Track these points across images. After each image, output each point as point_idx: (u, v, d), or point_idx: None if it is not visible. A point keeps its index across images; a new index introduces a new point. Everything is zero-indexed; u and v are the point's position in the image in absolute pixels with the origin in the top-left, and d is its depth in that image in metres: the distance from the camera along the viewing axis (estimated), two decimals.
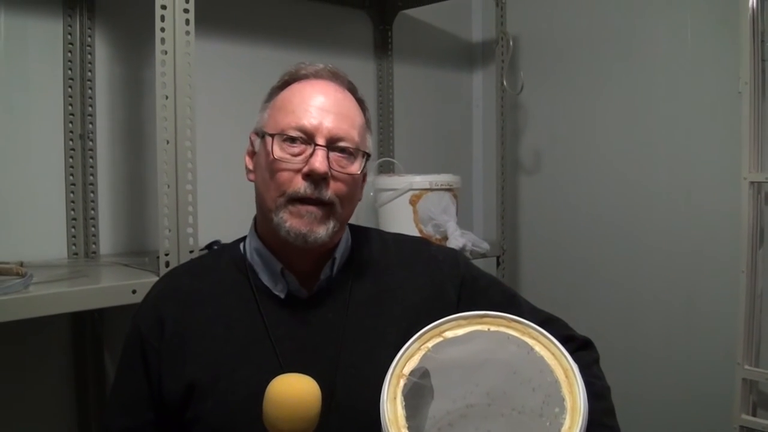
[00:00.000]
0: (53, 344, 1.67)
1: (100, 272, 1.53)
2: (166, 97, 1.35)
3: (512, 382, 0.91)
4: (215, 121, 1.77)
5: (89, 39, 1.69)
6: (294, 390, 0.91)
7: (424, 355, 0.93)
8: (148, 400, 1.07)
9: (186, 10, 1.37)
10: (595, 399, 0.91)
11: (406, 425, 0.86)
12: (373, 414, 0.87)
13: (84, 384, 1.69)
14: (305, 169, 1.02)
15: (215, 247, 1.53)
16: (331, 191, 1.03)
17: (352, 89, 1.12)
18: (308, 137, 1.03)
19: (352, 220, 1.15)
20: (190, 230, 1.39)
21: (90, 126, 1.70)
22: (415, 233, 1.88)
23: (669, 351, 2.18)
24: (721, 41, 2.01)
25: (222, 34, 1.95)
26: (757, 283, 1.84)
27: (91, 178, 1.71)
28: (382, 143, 2.39)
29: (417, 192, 1.93)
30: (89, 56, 1.69)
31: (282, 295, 1.08)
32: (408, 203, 1.93)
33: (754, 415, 1.86)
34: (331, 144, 1.04)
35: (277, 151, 1.03)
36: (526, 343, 0.92)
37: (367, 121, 1.13)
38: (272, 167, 1.03)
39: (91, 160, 1.71)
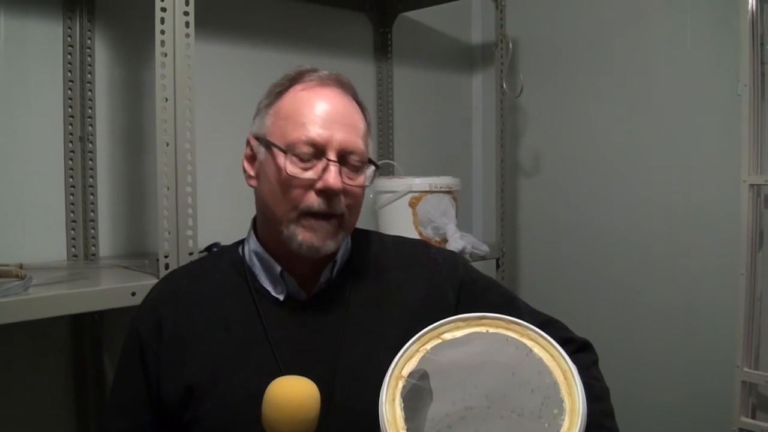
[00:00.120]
0: (53, 346, 1.67)
1: (99, 274, 1.53)
2: (166, 100, 1.35)
3: (511, 384, 0.91)
4: (215, 124, 1.77)
5: (89, 41, 1.69)
6: (293, 392, 0.91)
7: (422, 357, 0.93)
8: (146, 402, 1.07)
9: (186, 13, 1.37)
10: (594, 401, 0.91)
11: (405, 427, 0.86)
12: (372, 415, 0.87)
13: (83, 386, 1.69)
14: (319, 186, 1.01)
15: (215, 250, 1.53)
16: (342, 204, 1.04)
17: (354, 94, 1.11)
18: (319, 151, 1.02)
19: None
20: (189, 232, 1.40)
21: (90, 128, 1.70)
22: (415, 236, 1.89)
23: (668, 353, 2.18)
24: (721, 44, 2.01)
25: (222, 37, 1.96)
26: (757, 285, 1.84)
27: (91, 180, 1.71)
28: (382, 146, 2.39)
29: (416, 194, 1.93)
30: (89, 58, 1.70)
31: (281, 298, 1.08)
32: (407, 206, 1.93)
33: (753, 417, 1.86)
34: (342, 157, 1.03)
35: (290, 166, 1.01)
36: (525, 345, 0.92)
37: (368, 125, 1.13)
38: (284, 182, 1.02)
39: (90, 162, 1.71)
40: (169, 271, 1.34)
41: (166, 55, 1.35)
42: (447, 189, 1.97)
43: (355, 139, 1.05)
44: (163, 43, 1.35)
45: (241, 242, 1.17)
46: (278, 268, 1.08)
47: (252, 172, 1.09)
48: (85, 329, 1.69)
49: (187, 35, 1.37)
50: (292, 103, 1.05)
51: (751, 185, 1.82)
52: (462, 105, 2.74)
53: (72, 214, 1.69)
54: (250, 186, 1.11)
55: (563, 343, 0.93)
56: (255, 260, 1.11)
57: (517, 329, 0.94)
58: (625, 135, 2.28)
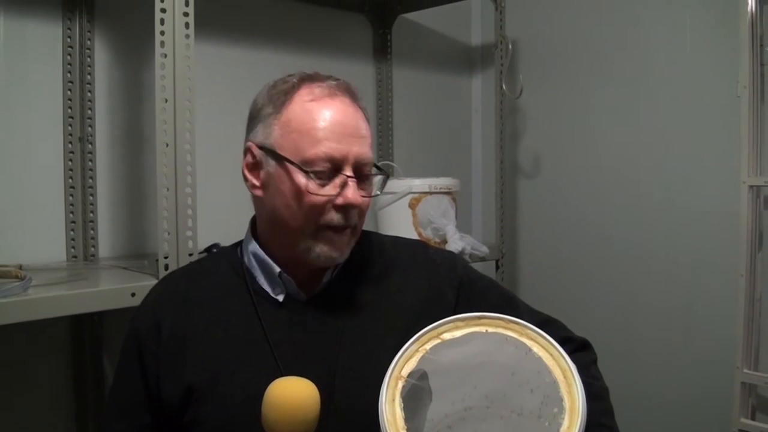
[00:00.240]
0: (52, 347, 1.67)
1: (99, 275, 1.53)
2: (166, 100, 1.35)
3: (510, 384, 0.91)
4: (215, 124, 1.77)
5: (89, 42, 1.69)
6: (293, 393, 0.91)
7: (422, 357, 0.93)
8: (145, 404, 1.07)
9: (186, 14, 1.37)
10: (593, 399, 0.91)
11: (405, 427, 0.86)
12: (371, 416, 0.87)
13: (83, 387, 1.69)
14: (340, 202, 1.02)
15: (214, 251, 1.53)
16: (356, 215, 1.06)
17: (358, 100, 1.10)
18: (336, 167, 1.02)
19: None
20: (189, 233, 1.40)
21: (89, 129, 1.70)
22: (415, 237, 1.89)
23: (668, 354, 2.18)
24: (721, 45, 2.01)
25: (222, 38, 1.96)
26: (756, 286, 1.85)
27: (91, 181, 1.71)
28: (382, 147, 2.39)
29: (416, 195, 1.93)
30: (89, 59, 1.70)
31: (280, 299, 1.08)
32: (407, 206, 1.93)
33: (753, 418, 1.86)
34: (356, 169, 1.03)
35: (311, 185, 1.01)
36: (524, 344, 0.92)
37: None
38: (302, 198, 1.01)
39: (90, 163, 1.71)
40: (168, 271, 1.34)
41: (165, 55, 1.35)
42: (447, 190, 1.97)
43: (368, 150, 1.05)
44: (162, 43, 1.35)
45: (239, 244, 1.17)
46: (277, 270, 1.08)
47: (256, 182, 1.07)
48: (84, 330, 1.69)
49: (187, 36, 1.37)
50: (302, 114, 1.02)
51: (751, 186, 1.82)
52: (461, 106, 2.74)
53: (71, 215, 1.69)
54: (255, 195, 1.09)
55: (562, 343, 0.94)
56: (253, 262, 1.11)
57: (516, 329, 0.95)
58: (624, 136, 2.28)
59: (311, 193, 1.01)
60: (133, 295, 1.30)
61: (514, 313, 1.01)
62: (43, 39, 1.64)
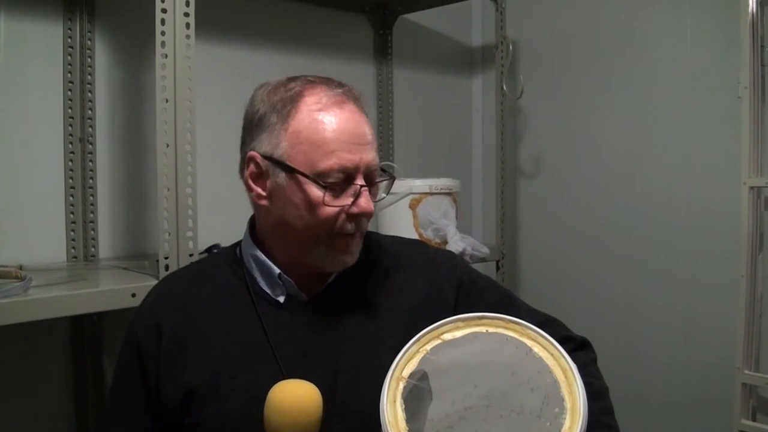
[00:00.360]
0: (52, 347, 1.67)
1: (99, 276, 1.53)
2: (166, 101, 1.35)
3: (511, 383, 0.91)
4: (215, 125, 1.77)
5: (89, 42, 1.69)
6: (296, 397, 0.91)
7: (423, 358, 0.93)
8: (145, 407, 1.06)
9: (186, 14, 1.37)
10: (593, 398, 0.91)
11: (407, 428, 0.86)
12: (373, 417, 0.87)
13: (83, 387, 1.69)
14: (355, 211, 1.02)
15: (215, 251, 1.53)
16: (367, 220, 1.07)
17: (363, 105, 1.08)
18: (348, 176, 1.02)
19: None
20: (189, 234, 1.40)
21: (90, 129, 1.70)
22: (415, 237, 1.88)
23: (669, 355, 2.17)
24: (721, 46, 2.01)
25: (222, 38, 1.96)
26: (757, 287, 1.84)
27: (91, 181, 1.71)
28: (382, 147, 2.39)
29: (417, 196, 1.93)
30: (89, 59, 1.70)
31: (281, 300, 1.08)
32: (408, 207, 1.93)
33: (753, 419, 1.86)
34: (367, 176, 1.04)
35: (327, 198, 1.00)
36: (525, 344, 0.92)
37: None
38: (316, 210, 1.01)
39: (90, 163, 1.71)
40: (169, 272, 1.33)
41: (166, 56, 1.35)
42: (447, 191, 1.97)
43: (375, 155, 1.05)
44: (163, 44, 1.35)
45: (238, 244, 1.17)
46: (276, 271, 1.07)
47: (262, 192, 1.05)
48: (84, 330, 1.69)
49: (188, 36, 1.37)
50: (311, 124, 1.01)
51: (752, 187, 1.82)
52: (462, 107, 2.74)
53: (72, 215, 1.69)
54: (261, 204, 1.06)
55: (561, 342, 0.94)
56: (252, 263, 1.11)
57: (516, 329, 0.95)
58: (625, 137, 2.28)
59: (326, 205, 1.00)
60: (133, 295, 1.30)
61: (514, 313, 1.01)
62: (44, 39, 1.64)
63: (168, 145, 1.35)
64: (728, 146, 1.94)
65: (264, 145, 1.03)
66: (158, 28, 1.34)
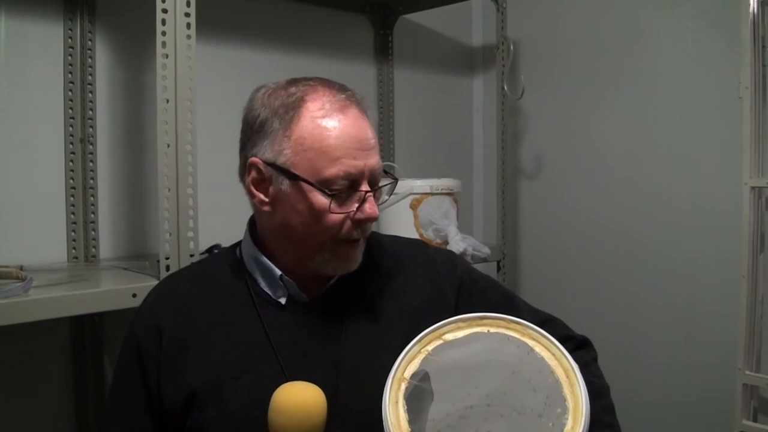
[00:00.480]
0: (53, 348, 1.67)
1: (100, 276, 1.53)
2: (167, 101, 1.35)
3: (511, 383, 0.91)
4: (216, 125, 1.77)
5: (90, 42, 1.69)
6: (302, 399, 0.91)
7: (424, 358, 0.94)
8: (146, 408, 1.06)
9: (187, 14, 1.37)
10: (595, 398, 0.91)
11: (409, 429, 0.86)
12: (375, 418, 0.87)
13: (84, 387, 1.69)
14: (359, 217, 1.02)
15: (215, 251, 1.53)
16: (371, 224, 1.06)
17: (365, 108, 1.07)
18: (354, 182, 1.01)
19: None
20: (190, 234, 1.39)
21: (90, 129, 1.70)
22: (416, 237, 1.88)
23: (670, 356, 2.17)
24: (722, 46, 2.01)
25: (223, 38, 1.96)
26: (758, 288, 1.84)
27: (92, 181, 1.71)
28: (383, 147, 2.39)
29: (417, 196, 1.93)
30: (90, 60, 1.70)
31: (282, 301, 1.07)
32: (408, 207, 1.93)
33: (755, 420, 1.86)
34: (371, 181, 1.03)
35: (333, 205, 1.00)
36: (526, 344, 0.92)
37: None
38: (321, 217, 1.01)
39: (91, 163, 1.71)
40: (170, 272, 1.33)
41: (167, 56, 1.35)
42: (448, 191, 1.97)
43: (379, 158, 1.05)
44: (164, 44, 1.35)
45: (238, 245, 1.16)
46: (278, 273, 1.07)
47: (265, 198, 1.04)
48: (85, 331, 1.69)
49: (189, 36, 1.37)
50: (314, 131, 1.00)
51: (753, 188, 1.82)
52: (463, 107, 2.74)
53: (72, 216, 1.69)
54: (264, 210, 1.05)
55: (562, 341, 0.94)
56: (253, 265, 1.10)
57: (518, 329, 0.95)
58: (626, 137, 2.28)
59: (332, 213, 1.00)
60: (134, 296, 1.30)
61: (515, 312, 1.01)
62: (44, 39, 1.64)
63: (169, 146, 1.35)
64: (729, 146, 1.93)
65: (266, 151, 1.02)
66: (159, 28, 1.34)
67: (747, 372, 1.83)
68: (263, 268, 1.09)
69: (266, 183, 1.03)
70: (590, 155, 2.38)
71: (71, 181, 1.68)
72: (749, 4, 1.78)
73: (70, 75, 1.67)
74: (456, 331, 0.96)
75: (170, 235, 1.37)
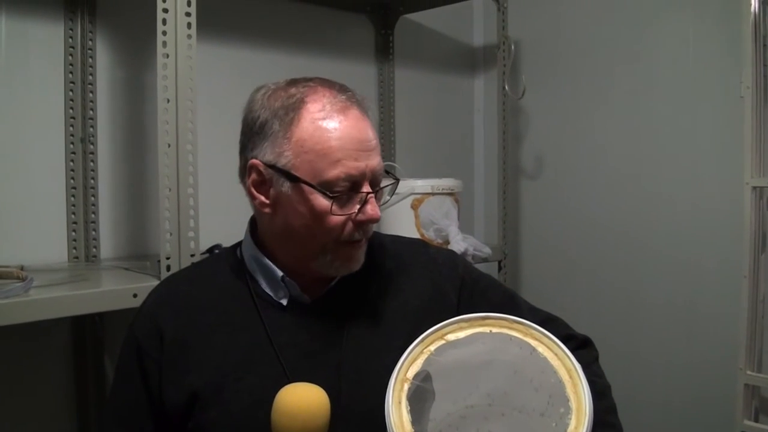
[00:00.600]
0: (54, 348, 1.66)
1: (100, 276, 1.53)
2: (168, 101, 1.35)
3: (512, 382, 0.91)
4: (217, 125, 1.76)
5: (90, 42, 1.69)
6: (306, 400, 0.91)
7: (427, 359, 0.93)
8: (147, 410, 1.05)
9: (188, 14, 1.37)
10: (596, 397, 0.91)
11: (412, 429, 0.86)
12: (378, 418, 0.87)
13: (84, 388, 1.69)
14: (361, 218, 1.01)
15: (216, 252, 1.52)
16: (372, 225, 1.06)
17: (365, 109, 1.06)
18: (355, 184, 1.01)
19: None
20: (191, 234, 1.39)
21: (91, 129, 1.70)
22: (417, 237, 1.88)
23: (671, 356, 2.17)
24: (724, 46, 2.01)
25: (224, 38, 1.95)
26: (760, 288, 1.84)
27: (92, 181, 1.71)
28: (384, 147, 2.39)
29: (418, 196, 1.92)
30: (90, 59, 1.69)
31: (284, 302, 1.07)
32: (409, 207, 1.92)
33: (756, 420, 1.85)
34: (372, 182, 1.03)
35: (335, 207, 0.99)
36: (529, 344, 0.92)
37: None
38: (323, 219, 1.00)
39: (92, 163, 1.70)
40: (170, 273, 1.33)
41: (167, 56, 1.35)
42: (449, 191, 1.97)
43: (380, 159, 1.04)
44: (164, 44, 1.34)
45: (238, 245, 1.16)
46: (279, 274, 1.07)
47: (266, 200, 1.04)
48: (86, 331, 1.68)
49: (189, 36, 1.37)
50: (315, 133, 0.99)
51: (754, 188, 1.82)
52: (464, 107, 2.74)
53: (73, 216, 1.69)
54: (265, 212, 1.05)
55: (564, 340, 0.94)
56: (254, 265, 1.10)
57: (520, 329, 0.95)
58: (627, 137, 2.28)
59: (333, 214, 1.00)
60: (134, 296, 1.30)
61: (516, 312, 1.01)
62: (45, 39, 1.64)
63: (169, 145, 1.35)
64: (731, 146, 1.93)
65: (266, 153, 1.02)
66: (159, 28, 1.34)
67: (748, 372, 1.83)
68: (265, 269, 1.08)
69: (267, 185, 1.03)
70: (591, 155, 2.38)
71: (72, 180, 1.68)
72: (750, 3, 1.78)
73: (70, 75, 1.66)
74: (458, 331, 0.96)
75: (171, 235, 1.36)
